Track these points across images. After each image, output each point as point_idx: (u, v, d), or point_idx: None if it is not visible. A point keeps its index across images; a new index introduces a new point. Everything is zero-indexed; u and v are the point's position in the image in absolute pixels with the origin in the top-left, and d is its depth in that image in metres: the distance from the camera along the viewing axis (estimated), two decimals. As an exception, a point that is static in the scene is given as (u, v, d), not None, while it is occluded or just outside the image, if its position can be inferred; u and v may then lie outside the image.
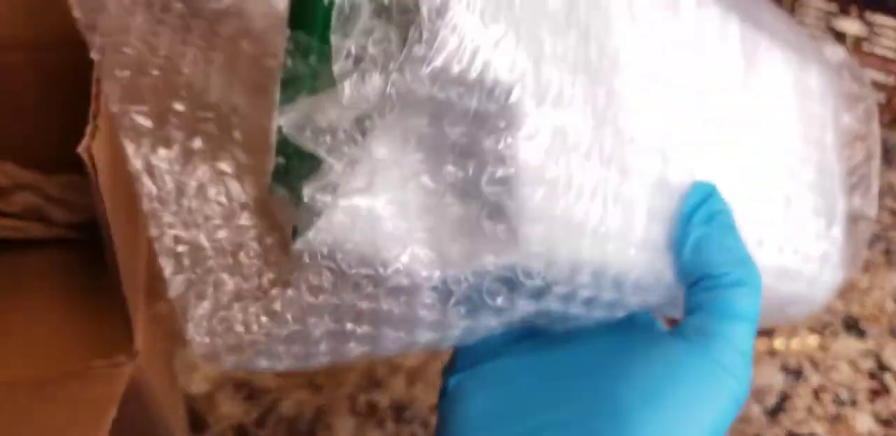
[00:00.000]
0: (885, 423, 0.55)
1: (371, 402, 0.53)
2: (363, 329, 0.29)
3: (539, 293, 0.29)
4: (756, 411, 0.55)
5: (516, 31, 0.24)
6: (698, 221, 0.32)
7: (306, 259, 0.26)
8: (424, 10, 0.22)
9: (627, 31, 0.31)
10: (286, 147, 0.26)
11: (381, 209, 0.27)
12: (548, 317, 0.31)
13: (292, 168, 0.27)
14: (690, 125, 0.34)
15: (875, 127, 0.46)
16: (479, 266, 0.28)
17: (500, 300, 0.29)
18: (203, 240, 0.30)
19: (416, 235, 0.27)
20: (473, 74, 0.24)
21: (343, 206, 0.26)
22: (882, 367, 0.58)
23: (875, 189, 0.45)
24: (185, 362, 0.54)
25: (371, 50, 0.23)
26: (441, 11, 0.22)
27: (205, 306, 0.30)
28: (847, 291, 0.64)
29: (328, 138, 0.24)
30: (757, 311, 0.31)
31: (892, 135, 0.79)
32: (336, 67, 0.24)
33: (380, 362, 0.55)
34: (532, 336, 0.33)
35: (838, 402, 0.56)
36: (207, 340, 0.30)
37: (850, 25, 0.78)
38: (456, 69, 0.23)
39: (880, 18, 0.80)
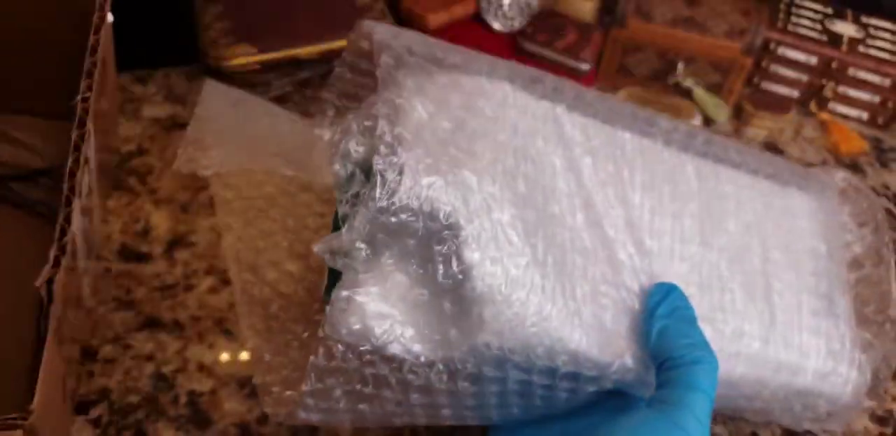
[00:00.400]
0: (881, 421, 0.56)
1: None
2: (368, 390, 0.40)
3: (524, 365, 0.39)
4: (753, 408, 0.56)
5: (445, 179, 0.37)
6: (660, 314, 0.40)
7: (321, 334, 0.38)
8: (384, 172, 0.36)
9: (562, 170, 0.43)
10: (330, 270, 0.43)
11: (371, 302, 0.37)
12: (549, 389, 0.40)
13: (330, 282, 0.43)
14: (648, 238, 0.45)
15: (884, 237, 0.52)
16: (449, 342, 0.38)
17: (488, 370, 0.39)
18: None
19: (398, 318, 0.38)
20: (419, 205, 0.37)
21: (345, 299, 0.37)
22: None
23: (893, 293, 0.51)
24: (186, 361, 0.55)
25: (361, 198, 0.37)
26: (396, 171, 0.36)
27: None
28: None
29: (343, 258, 0.38)
30: (713, 385, 0.38)
31: (888, 136, 0.79)
32: (341, 211, 0.38)
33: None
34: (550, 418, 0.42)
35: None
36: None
37: (846, 28, 0.79)
38: (407, 203, 0.36)
39: (875, 21, 0.80)
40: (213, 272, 0.60)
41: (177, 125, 0.72)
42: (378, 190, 0.36)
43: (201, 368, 0.54)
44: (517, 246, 0.38)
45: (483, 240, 0.37)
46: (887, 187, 0.74)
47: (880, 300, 0.52)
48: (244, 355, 0.55)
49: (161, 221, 0.63)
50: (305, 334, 0.48)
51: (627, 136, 0.48)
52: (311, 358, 0.38)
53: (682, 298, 0.41)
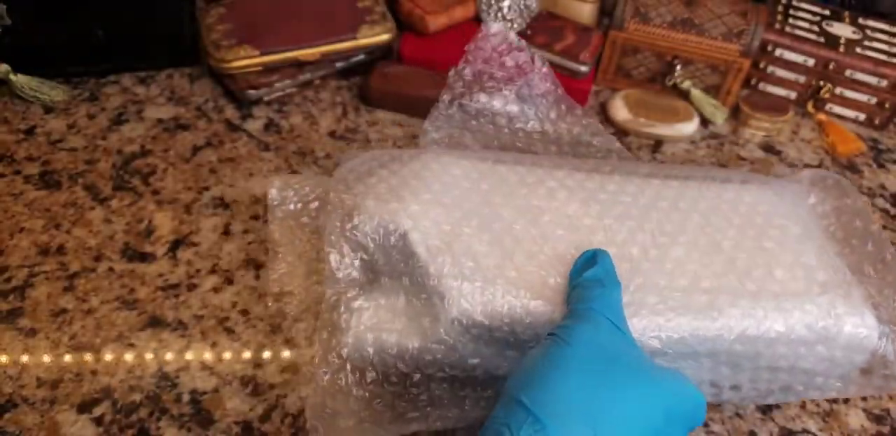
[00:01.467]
0: (877, 419, 0.56)
1: (374, 398, 0.54)
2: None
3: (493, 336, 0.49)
4: (750, 407, 0.56)
5: (418, 224, 0.50)
6: (574, 273, 0.48)
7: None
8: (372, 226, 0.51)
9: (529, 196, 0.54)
10: None
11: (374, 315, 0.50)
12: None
13: None
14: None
15: (871, 226, 0.56)
16: (427, 328, 0.48)
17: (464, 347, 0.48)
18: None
19: (396, 328, 0.49)
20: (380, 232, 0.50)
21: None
22: (874, 364, 0.60)
23: (891, 259, 0.54)
24: (189, 359, 0.55)
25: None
26: (357, 211, 0.51)
27: None
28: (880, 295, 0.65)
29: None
30: (606, 304, 0.44)
31: (884, 137, 0.80)
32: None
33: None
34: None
35: (830, 398, 0.57)
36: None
37: (843, 29, 0.80)
38: (383, 241, 0.50)
39: (872, 22, 0.81)
40: (215, 272, 0.60)
41: (179, 126, 0.72)
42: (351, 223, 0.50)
43: (204, 366, 0.54)
44: (483, 250, 0.50)
45: (438, 246, 0.49)
46: (884, 188, 0.74)
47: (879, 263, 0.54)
48: (246, 354, 0.55)
49: (164, 222, 0.63)
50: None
51: (581, 175, 0.57)
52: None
53: (592, 259, 0.48)
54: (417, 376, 0.49)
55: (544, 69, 0.69)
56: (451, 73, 0.67)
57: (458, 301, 0.47)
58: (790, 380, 0.52)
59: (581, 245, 0.51)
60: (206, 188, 0.67)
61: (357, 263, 0.51)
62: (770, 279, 0.50)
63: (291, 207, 0.60)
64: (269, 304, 0.58)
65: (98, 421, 0.51)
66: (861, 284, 0.52)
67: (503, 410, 0.39)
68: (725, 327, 0.48)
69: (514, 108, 0.67)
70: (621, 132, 0.76)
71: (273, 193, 0.61)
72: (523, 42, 0.69)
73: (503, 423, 0.37)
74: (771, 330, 0.48)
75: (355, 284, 0.51)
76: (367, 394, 0.49)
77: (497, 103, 0.67)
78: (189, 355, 0.55)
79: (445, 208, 0.51)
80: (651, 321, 0.47)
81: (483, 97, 0.67)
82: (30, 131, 0.71)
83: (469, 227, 0.50)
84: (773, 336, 0.49)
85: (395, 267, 0.50)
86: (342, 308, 0.50)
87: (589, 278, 0.46)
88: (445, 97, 0.67)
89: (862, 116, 0.80)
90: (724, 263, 0.51)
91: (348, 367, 0.49)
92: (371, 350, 0.48)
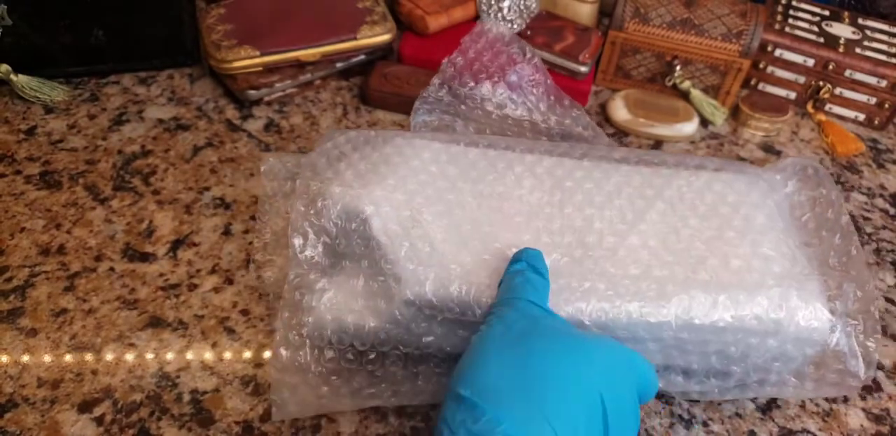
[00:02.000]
0: (877, 419, 0.56)
1: (374, 398, 0.54)
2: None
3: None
4: (749, 406, 0.56)
5: (379, 209, 0.52)
6: (507, 268, 0.49)
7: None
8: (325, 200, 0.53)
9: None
10: None
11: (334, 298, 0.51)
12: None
13: None
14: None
15: (842, 218, 0.57)
16: (381, 308, 0.50)
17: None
18: None
19: (354, 308, 0.51)
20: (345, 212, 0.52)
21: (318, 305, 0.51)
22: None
23: (855, 253, 0.54)
24: (189, 359, 0.55)
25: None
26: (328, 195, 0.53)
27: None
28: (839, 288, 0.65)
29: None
30: (532, 289, 0.46)
31: (884, 137, 0.80)
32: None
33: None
34: None
35: (830, 398, 0.57)
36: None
37: (843, 30, 0.80)
38: (345, 225, 0.52)
39: (872, 23, 0.81)
40: (216, 272, 0.60)
41: (180, 127, 0.72)
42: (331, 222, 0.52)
43: (204, 366, 0.55)
44: (441, 234, 0.52)
45: (394, 229, 0.51)
46: (884, 188, 0.74)
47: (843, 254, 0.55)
48: (247, 354, 0.55)
49: (165, 222, 0.64)
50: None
51: (552, 160, 0.58)
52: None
53: (521, 258, 0.49)
54: (373, 355, 0.51)
55: (535, 60, 0.69)
56: (445, 60, 0.69)
57: (413, 284, 0.48)
58: (745, 374, 0.52)
59: (537, 233, 0.52)
60: (207, 188, 0.67)
61: (319, 246, 0.53)
62: (724, 269, 0.51)
63: (279, 183, 0.62)
64: (251, 271, 0.59)
65: (98, 421, 0.51)
66: (820, 276, 0.52)
67: (445, 404, 0.39)
68: (672, 315, 0.49)
69: (502, 94, 0.68)
70: (621, 132, 0.76)
71: (265, 169, 0.62)
72: (516, 36, 0.70)
73: (442, 417, 0.38)
74: (720, 320, 0.49)
75: (317, 267, 0.53)
76: (324, 370, 0.51)
77: (486, 89, 0.68)
78: (189, 355, 0.55)
79: (409, 194, 0.53)
80: (598, 307, 0.49)
81: (472, 82, 0.68)
82: (30, 131, 0.71)
83: (430, 213, 0.52)
84: (722, 326, 0.49)
85: (355, 250, 0.52)
86: (304, 289, 0.52)
87: (512, 272, 0.48)
88: (436, 81, 0.68)
89: (861, 117, 0.80)
90: (679, 251, 0.52)
91: (307, 345, 0.51)
92: (330, 330, 0.50)
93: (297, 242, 0.53)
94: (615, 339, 0.48)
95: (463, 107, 0.68)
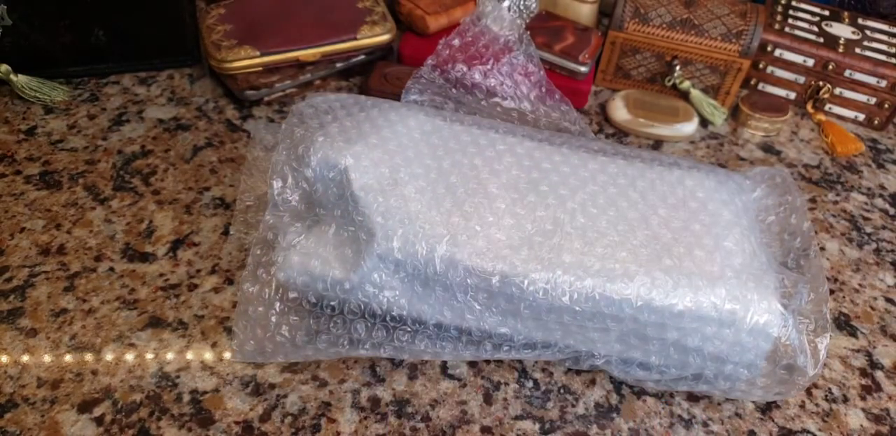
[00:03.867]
0: (877, 419, 0.56)
1: (373, 397, 0.54)
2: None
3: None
4: (749, 406, 0.56)
5: (358, 163, 0.54)
6: None
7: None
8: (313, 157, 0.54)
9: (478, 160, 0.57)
10: None
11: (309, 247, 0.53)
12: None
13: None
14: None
15: (804, 223, 0.59)
16: (350, 260, 0.52)
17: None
18: None
19: (326, 258, 0.52)
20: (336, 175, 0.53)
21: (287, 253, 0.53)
22: (873, 364, 0.60)
23: (813, 256, 0.57)
24: (189, 359, 0.55)
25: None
26: (310, 147, 0.54)
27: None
28: (839, 289, 0.65)
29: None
30: None
31: (884, 138, 0.80)
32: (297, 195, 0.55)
33: (383, 358, 0.56)
34: None
35: (830, 398, 0.57)
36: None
37: (843, 30, 0.80)
38: (323, 174, 0.54)
39: (872, 23, 0.81)
40: (216, 272, 0.60)
41: (179, 127, 0.72)
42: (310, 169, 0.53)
43: (204, 366, 0.55)
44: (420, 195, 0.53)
45: (374, 185, 0.53)
46: (884, 188, 0.74)
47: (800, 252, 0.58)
48: (246, 354, 0.56)
49: (165, 222, 0.64)
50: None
51: (532, 144, 0.59)
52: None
53: None
54: (334, 302, 0.52)
55: (531, 49, 0.70)
56: (441, 42, 0.70)
57: (381, 237, 0.50)
58: (701, 364, 0.53)
59: (512, 203, 0.54)
60: (207, 188, 0.67)
61: (297, 191, 0.54)
62: (688, 258, 0.52)
63: (271, 136, 0.65)
64: (234, 213, 0.61)
65: (98, 421, 0.51)
66: (777, 274, 0.53)
67: None
68: (634, 293, 0.50)
69: (493, 82, 0.69)
70: (621, 132, 0.76)
71: (258, 126, 0.64)
72: (515, 23, 0.70)
73: None
74: (679, 304, 0.50)
75: (294, 211, 0.55)
76: (285, 308, 0.53)
77: (477, 75, 0.69)
78: (189, 355, 0.55)
79: (389, 154, 0.55)
80: (563, 279, 0.50)
81: (464, 67, 0.69)
82: (30, 131, 0.71)
83: (407, 173, 0.54)
84: (680, 310, 0.50)
85: (331, 199, 0.54)
86: (277, 230, 0.54)
87: None
88: (430, 62, 0.69)
89: (861, 117, 0.80)
90: (646, 237, 0.53)
91: (273, 282, 0.53)
92: (295, 270, 0.52)
93: (277, 184, 0.54)
94: (588, 339, 0.51)
95: (454, 91, 0.69)
